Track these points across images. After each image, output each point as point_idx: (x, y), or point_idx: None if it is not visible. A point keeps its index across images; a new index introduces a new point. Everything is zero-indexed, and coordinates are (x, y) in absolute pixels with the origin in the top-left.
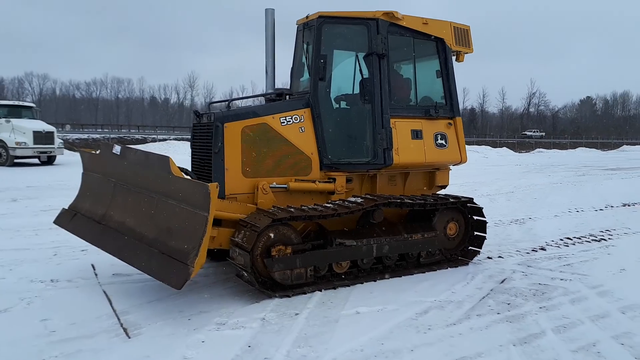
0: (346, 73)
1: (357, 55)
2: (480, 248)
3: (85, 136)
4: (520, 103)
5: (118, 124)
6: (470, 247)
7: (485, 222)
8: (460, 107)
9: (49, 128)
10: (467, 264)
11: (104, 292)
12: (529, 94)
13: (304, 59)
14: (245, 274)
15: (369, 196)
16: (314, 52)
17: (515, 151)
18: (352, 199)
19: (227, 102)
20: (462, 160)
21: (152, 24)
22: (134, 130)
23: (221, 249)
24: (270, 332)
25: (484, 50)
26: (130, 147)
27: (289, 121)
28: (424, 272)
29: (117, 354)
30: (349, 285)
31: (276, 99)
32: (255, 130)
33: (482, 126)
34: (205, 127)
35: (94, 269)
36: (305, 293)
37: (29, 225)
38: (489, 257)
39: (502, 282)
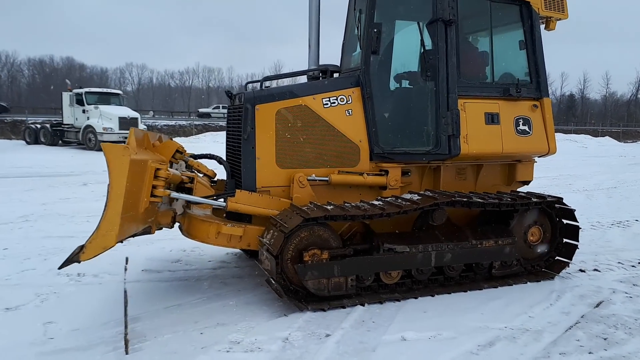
0: (410, 47)
1: (419, 24)
2: (570, 259)
3: (172, 122)
4: (627, 89)
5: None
6: (557, 257)
7: (577, 228)
8: (558, 93)
9: (134, 114)
10: (553, 278)
11: (125, 291)
12: (638, 78)
13: (356, 31)
14: (273, 282)
15: (428, 193)
16: (367, 21)
17: (619, 141)
18: (407, 196)
19: (260, 82)
20: (549, 151)
21: (240, 16)
22: (220, 117)
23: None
24: (289, 359)
25: (586, 31)
26: None
27: (334, 103)
28: (496, 287)
29: None
30: (399, 300)
31: (320, 77)
32: (292, 113)
33: (582, 114)
34: (237, 110)
35: (127, 263)
36: (343, 307)
37: (86, 211)
38: (581, 270)
39: (598, 305)
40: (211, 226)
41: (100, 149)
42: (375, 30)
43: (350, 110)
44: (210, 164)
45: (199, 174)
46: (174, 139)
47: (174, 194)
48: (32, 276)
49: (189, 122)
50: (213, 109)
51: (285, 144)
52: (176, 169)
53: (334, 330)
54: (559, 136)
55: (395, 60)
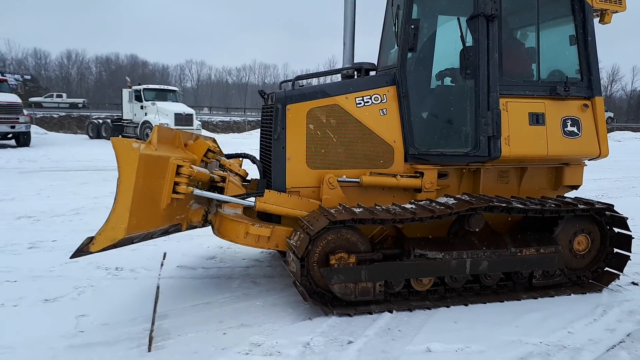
0: (449, 44)
1: (459, 19)
2: (621, 270)
3: (227, 119)
4: None
5: (259, 107)
6: (606, 269)
7: (630, 237)
8: (629, 88)
9: (189, 110)
10: (600, 290)
11: (158, 287)
12: None
13: (393, 27)
14: (298, 285)
15: (464, 197)
16: (404, 17)
17: None
18: (442, 200)
19: (292, 81)
20: (601, 154)
21: (297, 13)
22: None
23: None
24: None
25: None
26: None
27: (367, 102)
28: (535, 298)
29: None
30: (429, 308)
31: (354, 76)
32: (323, 113)
33: None
34: (269, 110)
35: (163, 258)
36: (370, 313)
37: None
38: (634, 283)
39: None
40: (240, 226)
41: None
42: (412, 26)
43: (384, 110)
44: (245, 163)
45: (231, 173)
46: (228, 134)
47: (197, 192)
48: (73, 269)
49: (243, 118)
50: (45, 97)
51: (316, 144)
52: (209, 168)
53: (357, 337)
54: (627, 134)
55: (434, 57)
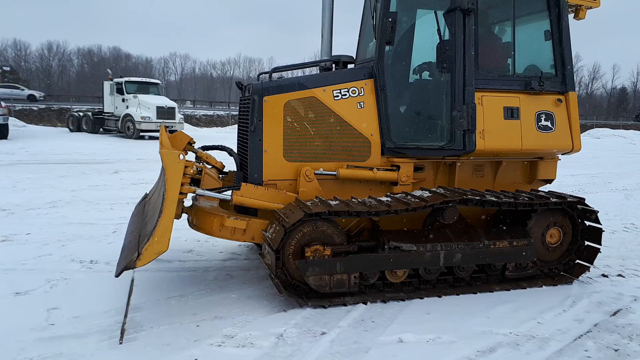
0: (427, 37)
1: (436, 13)
2: (592, 263)
3: (211, 112)
4: None
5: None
6: (577, 261)
7: (600, 230)
8: (609, 85)
9: (171, 104)
10: (571, 282)
11: (132, 280)
12: None
13: (372, 21)
14: (273, 277)
15: (439, 190)
16: (382, 10)
17: None
18: (417, 193)
19: (269, 73)
20: (574, 148)
21: (282, 7)
22: None
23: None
24: (279, 356)
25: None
26: None
27: (345, 95)
28: (508, 290)
29: None
30: (403, 300)
31: (332, 69)
32: (301, 105)
33: (635, 108)
34: (246, 101)
35: None
36: (345, 305)
37: (112, 198)
38: (604, 275)
39: (615, 314)
40: (215, 218)
41: (137, 138)
42: (390, 19)
43: (362, 103)
44: (222, 156)
45: (207, 165)
46: (212, 128)
47: (200, 191)
48: (47, 262)
49: (227, 112)
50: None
51: (293, 137)
52: None
53: (330, 328)
54: (606, 131)
55: (412, 51)
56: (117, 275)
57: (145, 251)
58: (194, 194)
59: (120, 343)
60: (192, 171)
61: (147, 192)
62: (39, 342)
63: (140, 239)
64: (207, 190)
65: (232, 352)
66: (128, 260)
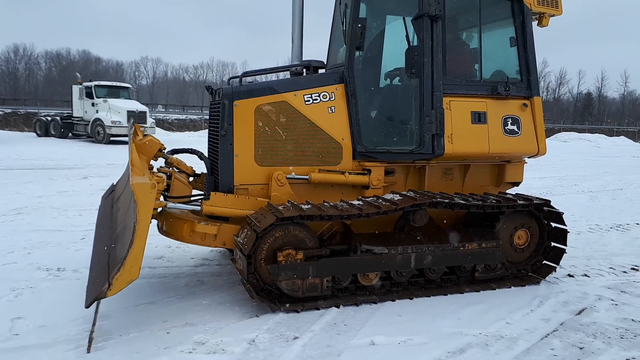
0: (396, 43)
1: (404, 19)
2: (558, 263)
3: (183, 117)
4: None
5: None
6: (544, 262)
7: (566, 231)
8: (575, 91)
9: (142, 108)
10: (539, 283)
11: None
12: None
13: (341, 26)
14: (245, 282)
15: (409, 193)
16: (352, 16)
17: (635, 141)
18: (388, 196)
19: (240, 77)
20: (539, 152)
21: (256, 11)
22: None
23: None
24: None
25: (604, 29)
26: None
27: (316, 99)
28: (478, 291)
29: None
30: (375, 302)
31: (303, 73)
32: (272, 110)
33: (599, 113)
34: (217, 106)
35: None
36: (318, 309)
37: (80, 204)
38: (570, 275)
39: (580, 312)
40: (185, 224)
41: (108, 143)
42: (359, 25)
43: (333, 108)
44: (192, 160)
45: (176, 170)
46: (184, 132)
47: (170, 205)
48: (11, 270)
49: (200, 116)
50: None
51: (264, 141)
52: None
53: (303, 332)
54: (572, 135)
55: (380, 57)
56: (87, 306)
57: (116, 281)
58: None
59: (88, 352)
60: (162, 186)
61: (115, 183)
62: (2, 353)
63: (110, 264)
64: (177, 203)
65: (204, 359)
66: (98, 292)
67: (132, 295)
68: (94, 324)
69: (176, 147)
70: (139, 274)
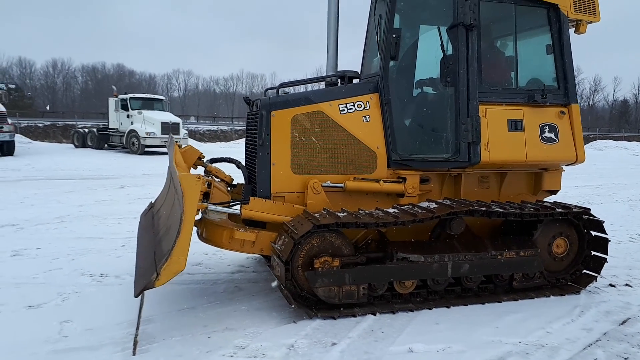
0: (431, 52)
1: (439, 29)
2: (598, 273)
3: (214, 128)
4: None
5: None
6: (584, 271)
7: (607, 240)
8: (611, 98)
9: (175, 119)
10: (579, 292)
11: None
12: None
13: (376, 37)
14: (283, 289)
15: (445, 201)
16: (386, 26)
17: None
18: (424, 204)
19: (277, 88)
20: (577, 159)
21: (284, 24)
22: None
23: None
24: None
25: None
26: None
27: (350, 109)
28: (516, 300)
29: None
30: (412, 310)
31: (338, 84)
32: (308, 119)
33: (636, 120)
34: (254, 116)
35: None
36: (354, 316)
37: (118, 213)
38: (611, 285)
39: (624, 323)
40: (225, 231)
41: (142, 153)
42: (394, 35)
43: (367, 117)
44: (230, 168)
45: (216, 179)
46: (215, 143)
47: (211, 207)
48: (57, 276)
49: (231, 127)
50: None
51: (300, 150)
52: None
53: (340, 339)
54: (609, 143)
55: (414, 66)
56: (136, 296)
57: (164, 271)
58: (206, 209)
59: (134, 354)
60: (204, 188)
61: (153, 202)
62: (53, 354)
63: (157, 258)
64: (218, 205)
65: None
66: (147, 281)
67: (173, 301)
68: (137, 328)
69: (214, 157)
70: (185, 265)
